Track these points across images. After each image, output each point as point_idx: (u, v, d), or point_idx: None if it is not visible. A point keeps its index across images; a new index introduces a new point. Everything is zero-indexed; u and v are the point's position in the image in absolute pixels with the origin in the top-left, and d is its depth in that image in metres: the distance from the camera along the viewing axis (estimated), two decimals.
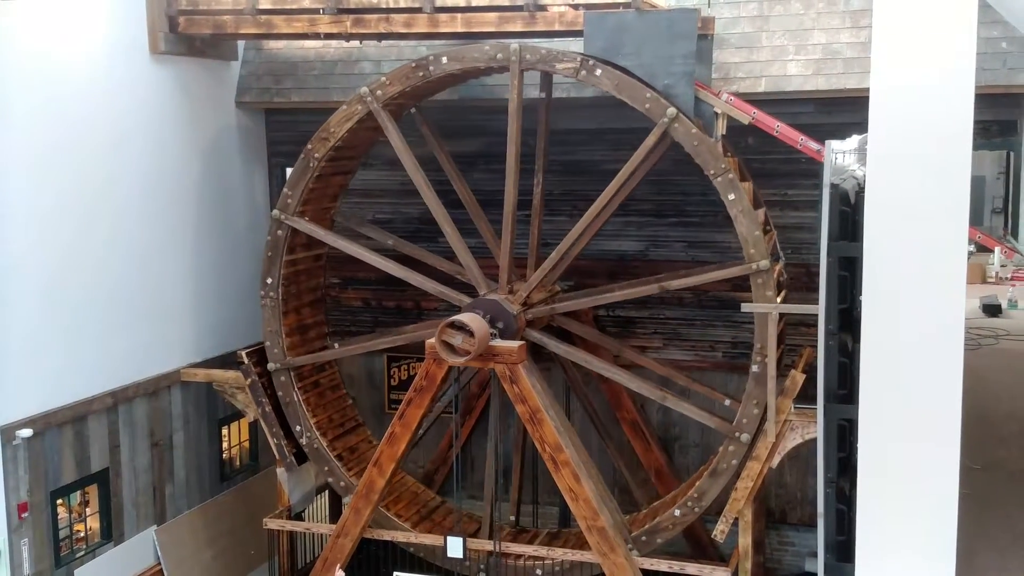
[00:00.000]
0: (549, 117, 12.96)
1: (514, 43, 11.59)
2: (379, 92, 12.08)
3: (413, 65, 11.96)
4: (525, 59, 11.62)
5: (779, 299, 11.57)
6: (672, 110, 11.23)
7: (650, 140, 11.52)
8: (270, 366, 13.14)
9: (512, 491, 14.22)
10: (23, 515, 11.56)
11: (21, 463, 11.53)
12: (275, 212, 12.75)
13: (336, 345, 13.90)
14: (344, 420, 13.96)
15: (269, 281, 12.93)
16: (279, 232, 12.81)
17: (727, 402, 12.76)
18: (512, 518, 14.28)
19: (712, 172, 11.23)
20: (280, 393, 13.24)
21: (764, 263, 11.13)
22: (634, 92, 11.40)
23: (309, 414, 13.24)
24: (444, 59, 11.86)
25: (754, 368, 11.60)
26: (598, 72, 11.42)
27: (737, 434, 11.75)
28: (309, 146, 12.46)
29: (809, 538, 13.42)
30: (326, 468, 13.31)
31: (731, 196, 11.20)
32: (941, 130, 7.12)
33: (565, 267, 12.85)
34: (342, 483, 13.28)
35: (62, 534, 12.25)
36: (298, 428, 13.23)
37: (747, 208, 11.21)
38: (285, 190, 12.69)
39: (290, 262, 13.07)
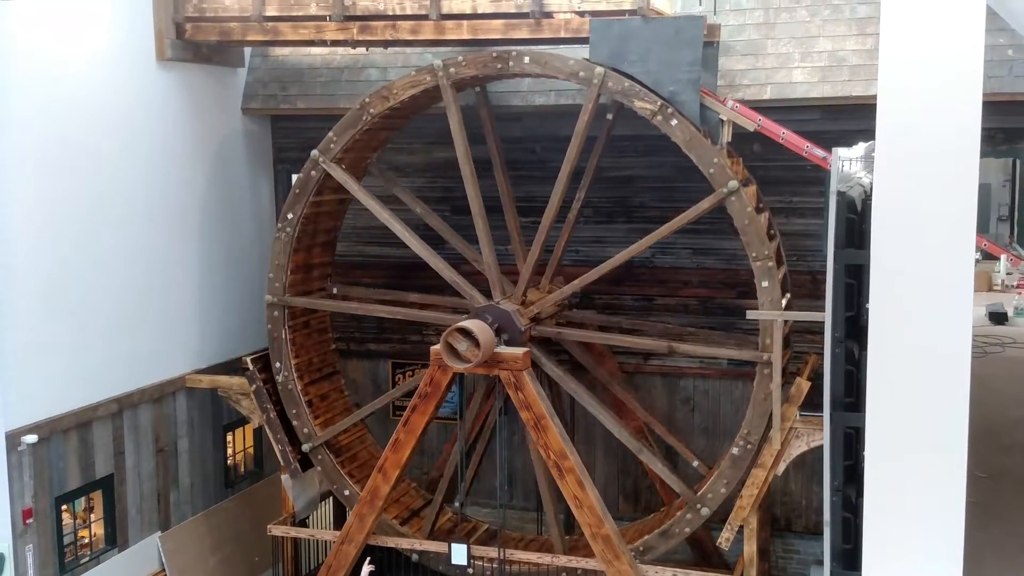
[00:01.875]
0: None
1: (599, 67, 11.44)
2: (452, 70, 11.97)
3: (494, 55, 11.84)
4: (606, 86, 11.47)
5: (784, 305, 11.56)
6: (735, 183, 11.15)
7: (704, 204, 11.55)
8: (267, 298, 13.04)
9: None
10: (28, 521, 11.56)
11: (26, 469, 11.54)
12: (315, 153, 12.56)
13: (335, 289, 13.89)
14: (323, 365, 13.90)
15: (289, 216, 12.82)
16: (312, 172, 12.67)
17: (695, 463, 13.06)
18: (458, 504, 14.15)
19: (754, 255, 11.22)
20: (269, 326, 13.16)
21: (775, 355, 11.23)
22: (702, 153, 11.29)
23: (291, 354, 13.18)
24: (526, 59, 11.74)
25: (734, 451, 11.72)
26: (673, 123, 11.28)
27: (698, 506, 11.86)
28: (367, 99, 12.33)
29: (814, 546, 13.38)
30: (294, 411, 13.26)
31: (764, 284, 11.23)
32: (948, 137, 7.10)
33: (558, 266, 12.98)
34: (305, 430, 13.24)
35: (67, 540, 12.25)
36: (278, 365, 13.19)
37: (776, 298, 11.21)
38: (331, 135, 12.53)
39: (315, 203, 12.97)
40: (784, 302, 11.59)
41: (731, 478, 11.82)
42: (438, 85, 12.05)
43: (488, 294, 12.56)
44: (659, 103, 11.29)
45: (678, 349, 12.30)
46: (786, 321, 11.49)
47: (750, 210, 11.22)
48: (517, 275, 12.81)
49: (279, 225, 12.95)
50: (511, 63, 11.79)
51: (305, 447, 13.30)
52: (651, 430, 13.95)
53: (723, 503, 11.92)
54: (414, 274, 14.60)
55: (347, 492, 13.34)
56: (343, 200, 13.57)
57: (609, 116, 12.69)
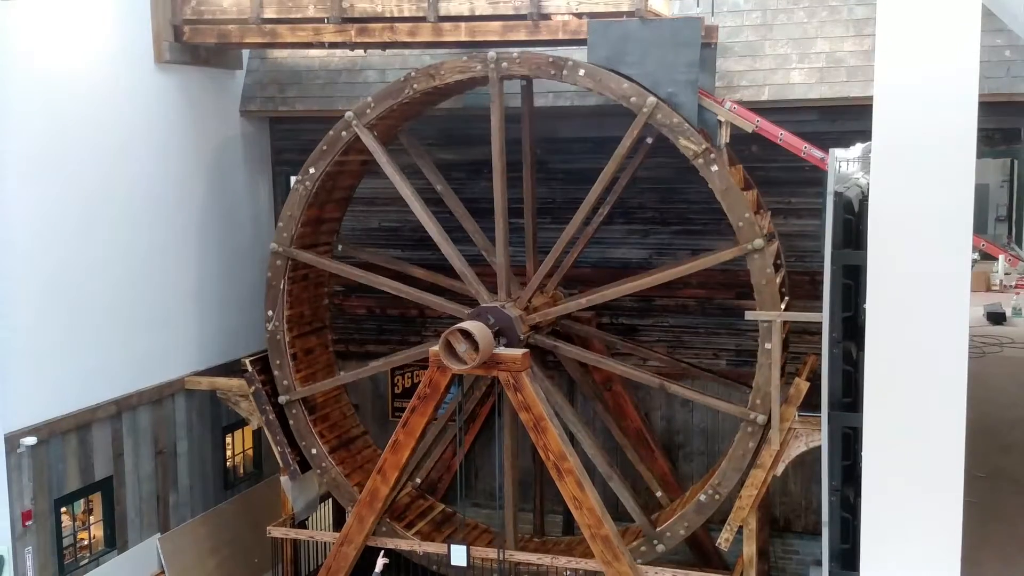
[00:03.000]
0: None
1: (652, 97, 11.30)
2: (504, 64, 11.81)
3: (551, 60, 11.65)
4: (655, 117, 11.34)
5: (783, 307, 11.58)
6: (760, 241, 11.11)
7: (726, 255, 11.55)
8: (272, 246, 12.97)
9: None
10: (27, 523, 11.56)
11: (25, 471, 11.54)
12: (349, 115, 12.43)
13: (340, 247, 13.94)
14: (314, 319, 13.86)
15: (311, 171, 12.70)
16: (343, 133, 12.56)
17: (659, 493, 13.31)
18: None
19: (764, 320, 11.21)
20: (269, 274, 13.09)
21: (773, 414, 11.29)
22: (735, 204, 11.22)
23: (286, 305, 13.13)
24: (581, 71, 11.54)
25: (702, 497, 11.85)
26: (714, 168, 11.20)
27: (655, 542, 12.05)
28: (412, 74, 12.18)
29: (814, 546, 13.38)
30: (277, 362, 13.22)
31: (767, 345, 11.23)
32: (945, 138, 7.12)
33: (564, 272, 12.88)
34: (285, 382, 13.21)
35: (66, 542, 12.25)
36: (270, 313, 13.12)
37: (776, 358, 11.21)
38: (369, 100, 12.42)
39: (339, 162, 12.88)
40: (783, 305, 11.61)
41: (692, 523, 11.98)
42: (487, 76, 11.92)
43: (494, 292, 12.55)
44: (704, 146, 11.17)
45: (668, 389, 12.36)
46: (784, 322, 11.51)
47: (769, 271, 11.20)
48: (522, 274, 12.82)
49: (299, 177, 12.77)
50: (564, 72, 11.61)
51: (281, 399, 13.26)
52: (647, 434, 13.99)
53: (723, 506, 11.92)
54: (415, 277, 14.60)
55: (314, 451, 13.31)
56: (366, 162, 13.44)
57: (649, 140, 12.47)
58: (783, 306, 11.64)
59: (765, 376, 11.41)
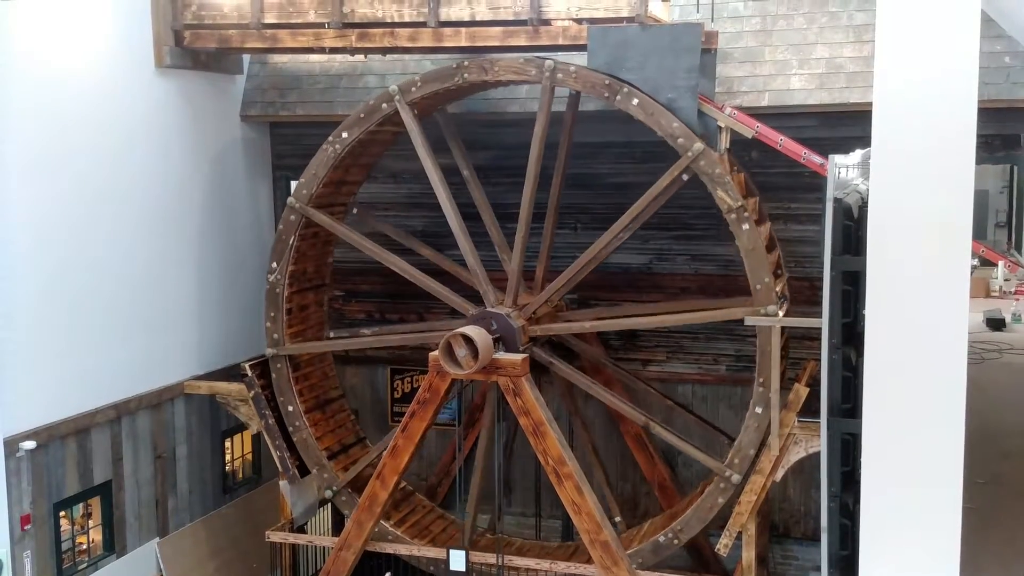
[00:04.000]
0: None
1: (699, 143, 11.16)
2: (559, 75, 11.68)
3: (607, 82, 11.46)
4: (699, 163, 11.24)
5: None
6: (773, 307, 11.12)
7: (738, 312, 11.53)
8: (290, 200, 12.87)
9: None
10: (26, 527, 11.56)
11: (24, 475, 11.54)
12: (394, 88, 12.26)
13: (355, 210, 13.96)
14: (315, 276, 13.74)
15: (344, 135, 12.56)
16: (384, 106, 12.37)
17: (617, 518, 13.33)
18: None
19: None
20: (281, 227, 12.97)
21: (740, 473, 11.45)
22: (757, 266, 11.16)
23: (291, 261, 13.00)
24: (635, 101, 11.38)
25: (660, 538, 11.92)
26: (745, 227, 11.18)
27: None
28: (466, 63, 12.05)
29: (813, 552, 13.36)
30: (272, 314, 13.12)
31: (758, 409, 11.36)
32: (944, 144, 7.12)
33: (542, 271, 12.91)
34: (276, 335, 13.11)
35: (65, 546, 12.24)
36: (274, 265, 13.01)
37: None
38: (417, 79, 12.20)
39: (373, 131, 12.73)
40: (782, 312, 11.61)
41: (647, 560, 12.02)
42: (541, 84, 11.80)
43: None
44: (740, 202, 11.10)
45: (652, 430, 12.44)
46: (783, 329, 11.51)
47: (775, 341, 11.16)
48: (529, 278, 12.84)
49: (331, 139, 12.60)
50: (618, 97, 11.46)
51: (268, 352, 13.18)
52: (646, 440, 13.98)
53: (723, 511, 11.91)
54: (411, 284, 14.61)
55: (290, 408, 13.26)
56: (398, 133, 13.34)
57: (685, 177, 12.01)
58: (782, 312, 11.63)
59: (748, 438, 11.52)
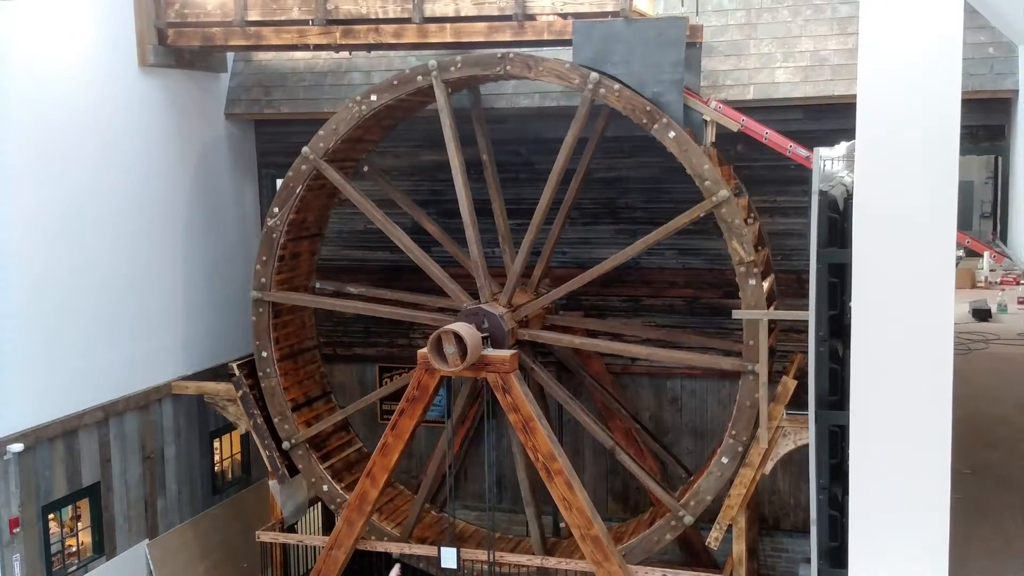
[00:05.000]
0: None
1: (725, 191, 11.16)
2: (601, 91, 11.55)
3: (647, 109, 11.38)
4: (721, 210, 11.22)
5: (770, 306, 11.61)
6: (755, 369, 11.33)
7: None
8: (305, 151, 12.66)
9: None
10: (15, 530, 11.50)
11: (12, 478, 11.48)
12: (433, 63, 12.11)
13: (366, 167, 13.81)
14: (313, 225, 13.69)
15: (373, 98, 12.39)
16: (420, 79, 12.18)
17: (562, 524, 13.17)
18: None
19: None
20: (291, 174, 12.78)
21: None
22: (753, 328, 11.31)
23: (293, 210, 12.88)
24: (671, 134, 11.31)
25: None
26: (751, 282, 11.26)
27: None
28: (511, 55, 11.85)
29: (803, 544, 13.42)
30: (264, 258, 13.03)
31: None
32: (928, 135, 7.13)
33: (543, 268, 12.92)
34: (263, 279, 13.06)
35: (54, 549, 12.19)
36: (275, 210, 12.91)
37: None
38: (458, 60, 12.06)
39: (403, 99, 12.53)
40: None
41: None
42: (580, 94, 11.70)
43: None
44: (752, 257, 11.17)
45: (617, 456, 12.56)
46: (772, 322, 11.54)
47: (759, 395, 11.30)
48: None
49: (358, 98, 12.45)
50: (656, 126, 11.37)
51: (253, 294, 13.08)
52: (639, 433, 14.00)
53: (713, 504, 11.93)
54: (401, 278, 14.59)
55: (264, 354, 13.21)
56: (425, 102, 13.24)
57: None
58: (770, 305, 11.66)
59: (709, 484, 11.71)
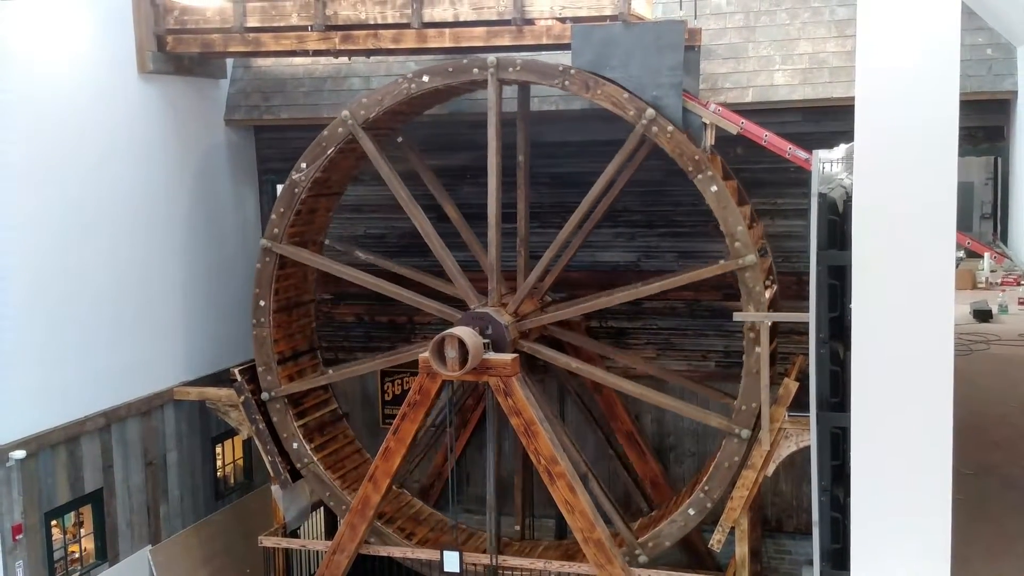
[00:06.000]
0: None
1: (752, 256, 11.18)
2: (654, 130, 11.47)
3: (696, 158, 11.32)
4: (737, 262, 11.26)
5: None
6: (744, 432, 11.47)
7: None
8: (344, 114, 12.53)
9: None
10: (17, 537, 11.51)
11: (15, 485, 11.49)
12: (492, 59, 11.89)
13: (400, 138, 13.67)
14: (336, 185, 13.64)
15: (424, 79, 12.25)
16: (476, 71, 12.02)
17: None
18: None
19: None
20: (326, 133, 12.64)
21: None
22: (751, 390, 11.45)
23: (321, 168, 12.78)
24: (713, 188, 11.27)
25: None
26: (756, 351, 11.39)
27: None
28: (572, 71, 11.68)
29: (806, 546, 13.40)
30: (281, 210, 12.90)
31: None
32: (927, 137, 7.15)
33: (555, 277, 12.88)
34: (276, 230, 12.93)
35: (57, 555, 12.20)
36: (304, 165, 12.77)
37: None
38: (518, 62, 11.95)
39: (451, 85, 12.38)
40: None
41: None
42: (634, 125, 11.52)
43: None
44: (765, 321, 11.22)
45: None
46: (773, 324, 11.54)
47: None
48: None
49: (410, 75, 12.29)
50: (699, 176, 11.30)
51: (264, 242, 12.98)
52: (638, 437, 14.01)
53: (716, 507, 11.93)
54: (405, 281, 14.59)
55: (262, 303, 13.10)
56: (472, 90, 13.24)
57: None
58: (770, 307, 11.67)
59: (671, 531, 11.90)
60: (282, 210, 12.93)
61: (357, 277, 13.26)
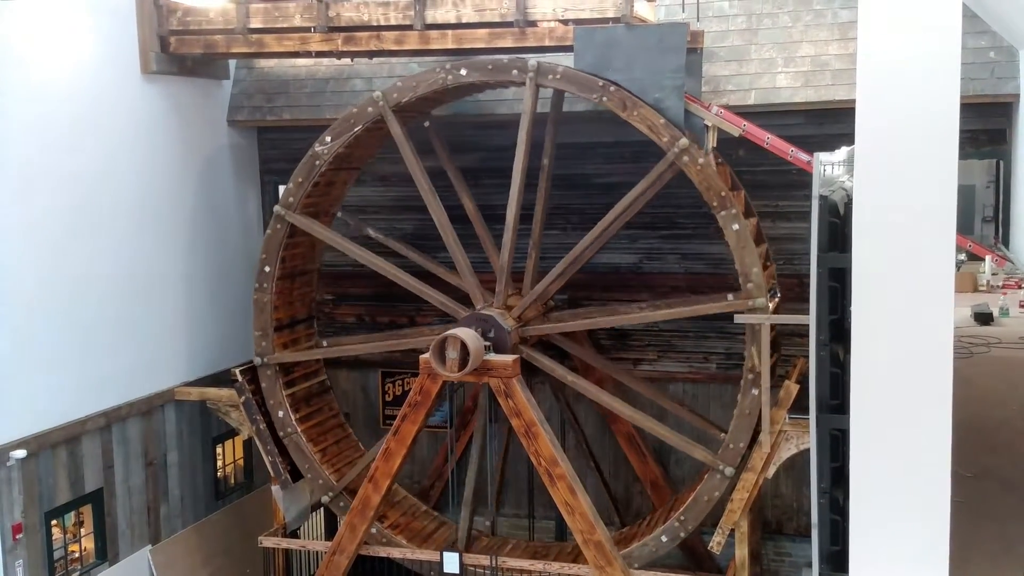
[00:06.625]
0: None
1: (762, 303, 11.20)
2: (686, 159, 11.39)
3: (723, 195, 11.28)
4: (746, 287, 11.32)
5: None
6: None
7: None
8: (376, 95, 12.47)
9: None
10: (18, 536, 11.52)
11: (15, 484, 11.50)
12: (534, 62, 11.84)
13: (427, 123, 13.68)
14: (359, 160, 13.63)
15: (463, 73, 12.16)
16: (515, 72, 11.94)
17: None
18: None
19: None
20: (355, 110, 12.59)
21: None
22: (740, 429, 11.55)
23: (345, 145, 12.72)
24: (734, 226, 11.26)
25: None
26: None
27: None
28: (612, 88, 11.59)
29: (805, 548, 13.37)
30: (300, 180, 12.82)
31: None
32: (927, 140, 7.16)
33: (560, 285, 12.88)
34: (291, 199, 12.90)
35: (57, 555, 12.21)
36: (328, 139, 12.72)
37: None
38: (559, 72, 11.79)
39: (487, 81, 12.39)
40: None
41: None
42: (665, 151, 11.47)
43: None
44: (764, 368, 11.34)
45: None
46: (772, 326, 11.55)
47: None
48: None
49: (448, 66, 12.21)
50: (723, 213, 11.28)
51: (278, 209, 12.96)
52: (638, 439, 14.00)
53: (716, 509, 11.93)
54: (401, 286, 14.59)
55: (267, 268, 13.08)
56: (505, 88, 13.32)
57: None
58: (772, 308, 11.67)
59: (641, 554, 11.91)
60: (300, 180, 12.88)
61: (366, 258, 13.19)
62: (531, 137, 12.15)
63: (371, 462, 13.06)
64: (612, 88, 11.57)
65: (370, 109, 12.52)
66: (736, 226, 11.29)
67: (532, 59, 11.90)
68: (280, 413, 13.30)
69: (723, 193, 11.29)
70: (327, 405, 14.15)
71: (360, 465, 13.42)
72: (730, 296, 11.75)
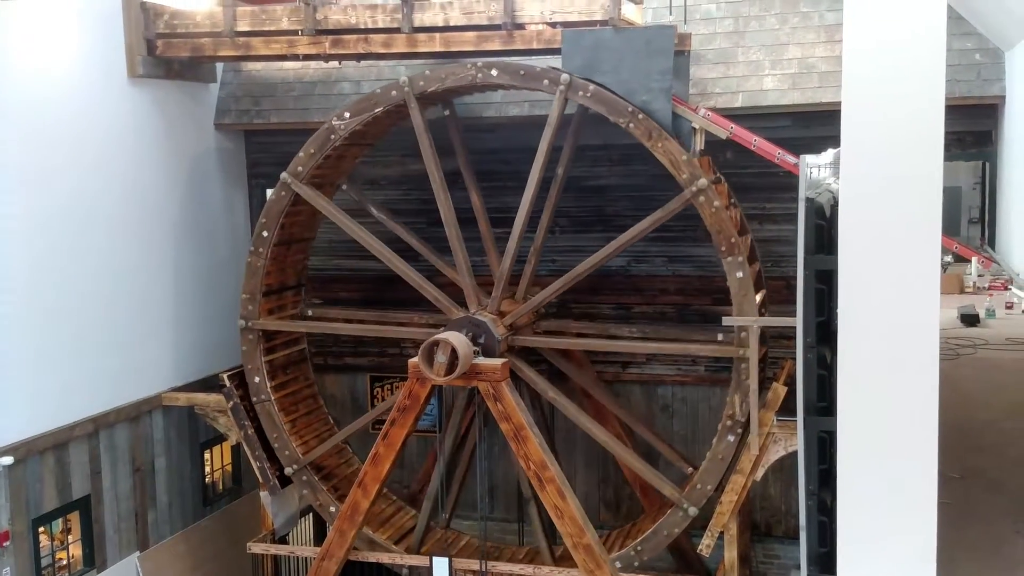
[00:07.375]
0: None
1: (754, 352, 11.26)
2: (702, 199, 11.37)
3: (732, 241, 11.34)
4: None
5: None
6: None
7: None
8: (403, 80, 12.41)
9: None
10: (5, 543, 11.46)
11: (2, 491, 11.44)
12: (565, 78, 11.69)
13: (447, 112, 13.56)
14: (368, 138, 13.56)
15: (494, 73, 12.09)
16: (546, 82, 11.86)
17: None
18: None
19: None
20: (379, 93, 12.49)
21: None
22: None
23: (364, 123, 12.67)
24: (738, 274, 11.32)
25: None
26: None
27: None
28: (640, 116, 11.54)
29: (795, 550, 13.37)
30: (312, 151, 12.77)
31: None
32: (912, 142, 7.19)
33: (531, 276, 12.86)
34: (299, 168, 12.79)
35: (44, 562, 12.14)
36: (347, 115, 12.65)
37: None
38: (565, 78, 11.70)
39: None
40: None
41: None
42: (683, 188, 11.45)
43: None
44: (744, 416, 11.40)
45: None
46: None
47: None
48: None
49: (480, 63, 12.13)
50: (729, 259, 11.32)
51: (285, 176, 12.89)
52: (627, 441, 13.99)
53: (705, 511, 11.94)
54: (391, 288, 14.58)
55: (265, 234, 13.05)
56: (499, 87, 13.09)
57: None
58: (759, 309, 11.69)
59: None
60: (312, 151, 12.80)
61: (365, 239, 13.13)
62: (551, 148, 12.09)
63: (343, 444, 13.23)
64: (640, 116, 11.48)
65: (394, 93, 12.44)
66: (740, 274, 11.33)
67: (565, 74, 11.77)
68: (256, 379, 13.27)
69: (732, 240, 11.31)
70: (303, 375, 14.17)
71: (329, 443, 13.46)
72: (720, 336, 11.91)
